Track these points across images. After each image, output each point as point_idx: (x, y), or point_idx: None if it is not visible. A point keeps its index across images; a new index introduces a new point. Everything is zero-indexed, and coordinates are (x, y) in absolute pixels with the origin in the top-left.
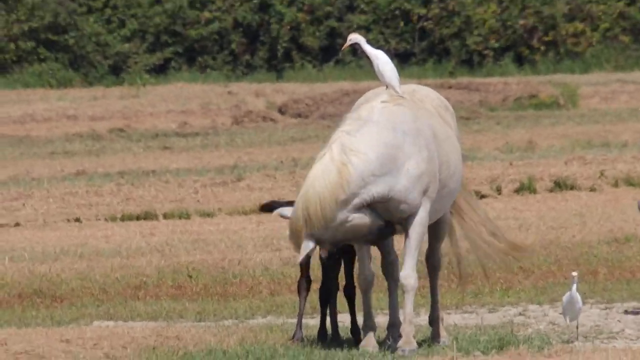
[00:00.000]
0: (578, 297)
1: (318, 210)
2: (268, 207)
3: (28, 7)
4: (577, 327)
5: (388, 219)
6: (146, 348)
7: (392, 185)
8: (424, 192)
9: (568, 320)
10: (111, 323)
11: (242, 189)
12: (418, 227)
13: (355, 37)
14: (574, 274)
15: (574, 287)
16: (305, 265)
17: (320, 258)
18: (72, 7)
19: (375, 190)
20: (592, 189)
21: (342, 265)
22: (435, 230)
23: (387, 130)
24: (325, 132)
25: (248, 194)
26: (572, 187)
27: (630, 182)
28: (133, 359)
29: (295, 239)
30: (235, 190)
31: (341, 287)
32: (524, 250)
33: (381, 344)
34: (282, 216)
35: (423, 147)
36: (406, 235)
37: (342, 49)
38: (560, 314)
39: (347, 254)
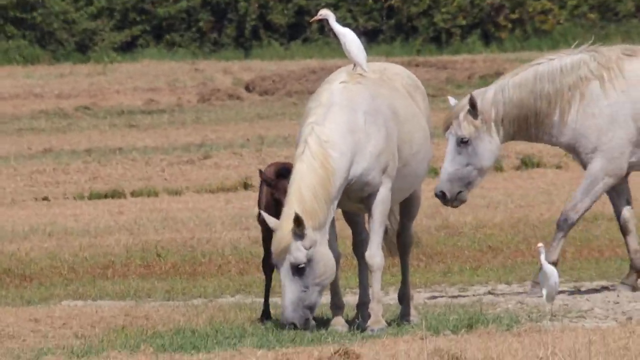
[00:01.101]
0: (550, 269)
1: (315, 204)
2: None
3: None
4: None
5: (350, 198)
6: (115, 327)
7: (359, 166)
8: (384, 171)
9: (546, 299)
10: (80, 302)
11: (210, 167)
12: (380, 206)
13: (325, 13)
14: (539, 245)
15: (542, 258)
16: (268, 244)
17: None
18: None
19: (351, 174)
20: (559, 167)
21: None
22: (406, 209)
23: (349, 112)
24: (291, 109)
25: (215, 171)
26: (538, 165)
27: None
28: (102, 339)
29: (284, 240)
30: (202, 168)
31: None
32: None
33: (350, 322)
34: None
35: (381, 125)
36: (369, 215)
37: (311, 21)
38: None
39: None
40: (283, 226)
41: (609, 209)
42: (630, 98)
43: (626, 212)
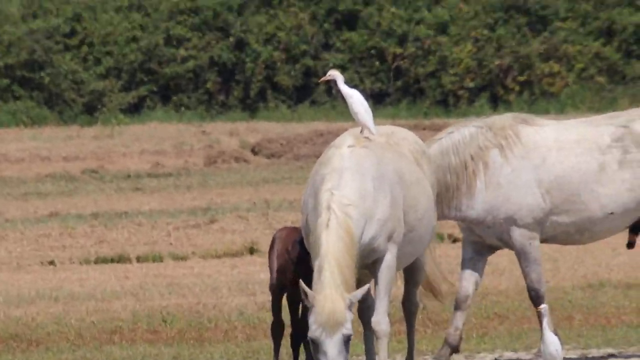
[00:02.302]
0: (551, 337)
1: (347, 273)
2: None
3: (4, 44)
4: None
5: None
6: None
7: (367, 233)
8: (390, 237)
9: None
10: None
11: (215, 232)
12: (386, 272)
13: (334, 74)
14: (542, 306)
15: (545, 322)
16: (277, 309)
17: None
18: (48, 45)
19: (361, 241)
20: None
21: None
22: (410, 275)
23: (360, 177)
24: (298, 173)
25: (221, 236)
26: None
27: None
28: None
29: (339, 313)
30: (208, 233)
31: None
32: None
33: None
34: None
35: (387, 191)
36: (375, 281)
37: (319, 81)
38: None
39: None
40: (335, 298)
41: (616, 275)
42: (530, 163)
43: (470, 290)
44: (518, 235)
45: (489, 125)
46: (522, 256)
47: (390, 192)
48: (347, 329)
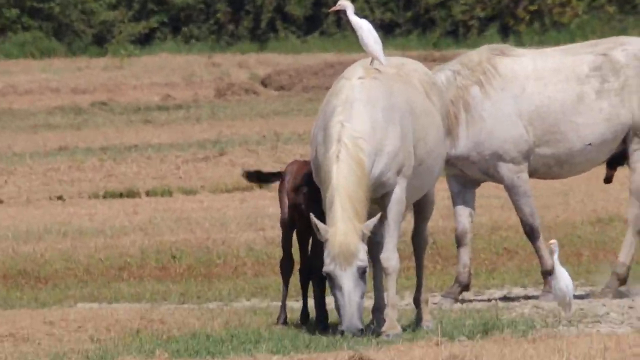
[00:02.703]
0: (562, 273)
1: (360, 205)
2: (254, 177)
3: None
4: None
5: None
6: (130, 331)
7: (377, 166)
8: (399, 171)
9: (559, 304)
10: (95, 305)
11: (225, 164)
12: (395, 206)
13: (343, 4)
14: (552, 242)
15: (555, 257)
16: (288, 245)
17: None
18: None
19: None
20: None
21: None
22: (420, 209)
23: (370, 108)
24: (307, 105)
25: (230, 169)
26: None
27: None
28: (117, 343)
29: (353, 245)
30: (217, 166)
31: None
32: None
33: (365, 327)
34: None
35: (397, 123)
36: (384, 216)
37: (330, 11)
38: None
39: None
40: (347, 231)
41: (625, 209)
42: (511, 94)
43: (466, 224)
44: (505, 170)
45: (465, 63)
46: (511, 190)
47: (400, 124)
48: (362, 260)
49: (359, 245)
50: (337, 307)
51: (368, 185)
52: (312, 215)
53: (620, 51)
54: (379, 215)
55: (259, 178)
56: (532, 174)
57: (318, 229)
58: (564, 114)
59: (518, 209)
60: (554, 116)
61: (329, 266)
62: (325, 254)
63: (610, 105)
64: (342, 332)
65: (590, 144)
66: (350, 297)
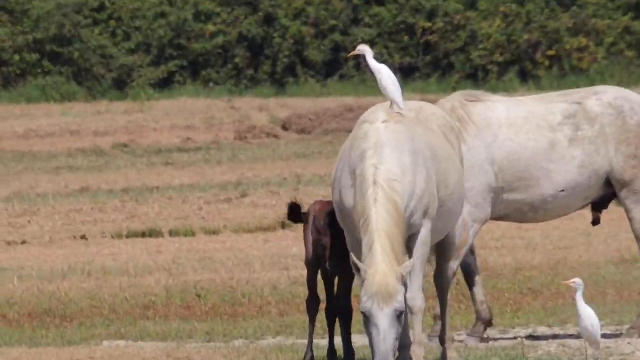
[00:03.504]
0: (585, 309)
1: (398, 248)
2: (297, 208)
3: (33, 19)
4: (586, 349)
5: None
6: None
7: (407, 207)
8: (425, 213)
9: (589, 347)
10: (121, 343)
11: (247, 206)
12: (421, 248)
13: (363, 49)
14: (574, 280)
15: (578, 296)
16: (313, 284)
17: (329, 267)
18: (77, 19)
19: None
20: None
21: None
22: (442, 251)
23: (399, 153)
24: (328, 148)
25: (253, 210)
26: None
27: None
28: None
29: (392, 286)
30: (239, 207)
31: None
32: None
33: None
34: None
35: (422, 166)
36: (410, 257)
37: (349, 56)
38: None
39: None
40: (387, 272)
41: None
42: (483, 142)
43: (472, 263)
44: (466, 213)
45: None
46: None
47: (425, 167)
48: (399, 302)
49: (398, 286)
50: (371, 345)
51: (404, 226)
52: (352, 255)
53: (594, 100)
54: (412, 261)
55: (298, 212)
56: (506, 218)
57: (358, 269)
58: (535, 161)
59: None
60: (525, 163)
61: (365, 304)
62: (363, 292)
63: (583, 154)
64: None
65: (563, 191)
66: (385, 336)
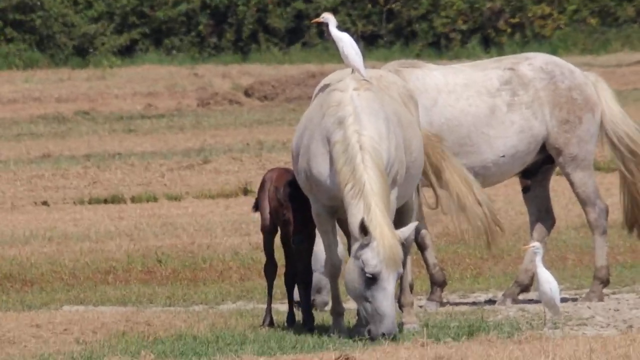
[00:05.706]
0: (546, 275)
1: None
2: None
3: None
4: (545, 313)
5: None
6: (116, 333)
7: None
8: (394, 180)
9: (548, 311)
10: (81, 308)
11: (209, 172)
12: None
13: (327, 17)
14: (533, 244)
15: (538, 260)
16: (270, 250)
17: (293, 243)
18: None
19: None
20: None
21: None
22: (402, 216)
23: (374, 118)
24: (290, 115)
25: (215, 177)
26: None
27: (596, 167)
28: (103, 344)
29: (397, 250)
30: (202, 174)
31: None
32: (500, 226)
33: (351, 329)
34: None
35: (392, 133)
36: None
37: (312, 22)
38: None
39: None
40: (391, 235)
41: (610, 215)
42: (422, 106)
43: (421, 227)
44: None
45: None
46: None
47: (394, 133)
48: (401, 266)
49: (402, 250)
50: (377, 308)
51: (389, 190)
52: (364, 218)
53: (526, 65)
54: (414, 224)
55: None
56: None
57: (364, 232)
58: (476, 127)
59: None
60: (466, 129)
61: (375, 268)
62: (371, 255)
63: (522, 118)
64: (384, 334)
65: (503, 156)
66: (390, 300)
